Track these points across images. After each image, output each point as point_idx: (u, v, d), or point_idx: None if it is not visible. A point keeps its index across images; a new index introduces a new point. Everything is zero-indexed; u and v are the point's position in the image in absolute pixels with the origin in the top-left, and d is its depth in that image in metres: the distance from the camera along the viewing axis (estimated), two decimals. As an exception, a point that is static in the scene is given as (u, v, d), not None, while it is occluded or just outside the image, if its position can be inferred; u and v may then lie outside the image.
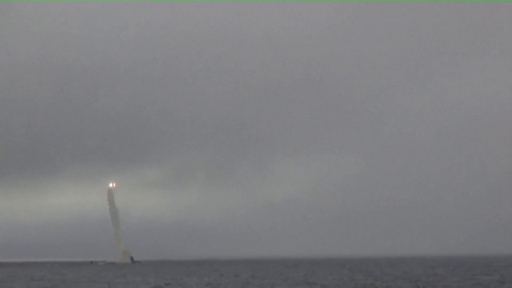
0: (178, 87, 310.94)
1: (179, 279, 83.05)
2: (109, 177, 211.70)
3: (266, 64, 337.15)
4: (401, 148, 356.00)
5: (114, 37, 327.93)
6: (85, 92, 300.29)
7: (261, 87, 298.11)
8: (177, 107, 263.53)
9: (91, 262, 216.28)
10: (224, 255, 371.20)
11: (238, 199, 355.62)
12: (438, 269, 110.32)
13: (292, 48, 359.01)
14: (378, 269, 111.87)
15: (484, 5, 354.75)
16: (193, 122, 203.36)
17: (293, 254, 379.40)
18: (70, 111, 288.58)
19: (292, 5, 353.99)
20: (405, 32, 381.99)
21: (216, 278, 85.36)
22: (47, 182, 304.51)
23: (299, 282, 71.04)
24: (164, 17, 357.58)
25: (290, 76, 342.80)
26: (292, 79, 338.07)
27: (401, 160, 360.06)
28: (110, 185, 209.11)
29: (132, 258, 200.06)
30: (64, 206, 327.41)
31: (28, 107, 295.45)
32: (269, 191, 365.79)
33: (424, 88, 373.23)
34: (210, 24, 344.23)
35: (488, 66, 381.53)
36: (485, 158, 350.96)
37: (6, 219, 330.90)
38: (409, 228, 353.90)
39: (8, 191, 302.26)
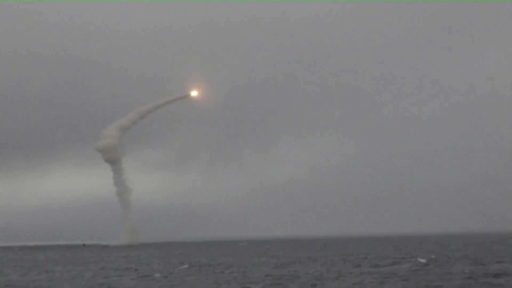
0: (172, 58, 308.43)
1: (195, 261, 79.73)
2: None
3: (268, 47, 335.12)
4: (404, 127, 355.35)
5: (125, 33, 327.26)
6: (88, 75, 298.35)
7: (264, 69, 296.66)
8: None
9: (84, 245, 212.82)
10: (225, 236, 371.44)
11: (240, 180, 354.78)
12: (452, 246, 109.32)
13: (293, 33, 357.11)
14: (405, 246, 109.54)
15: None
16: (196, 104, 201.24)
17: (295, 234, 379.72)
18: (73, 93, 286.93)
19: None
20: (404, 16, 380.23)
21: (235, 258, 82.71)
22: (50, 164, 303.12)
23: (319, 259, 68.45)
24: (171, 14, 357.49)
25: (292, 59, 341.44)
26: (295, 61, 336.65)
27: (404, 140, 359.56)
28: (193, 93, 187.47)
29: None
30: (67, 189, 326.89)
31: (31, 90, 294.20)
32: (271, 171, 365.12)
33: (427, 68, 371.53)
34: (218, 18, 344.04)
35: (489, 47, 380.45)
36: (487, 137, 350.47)
37: (11, 203, 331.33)
38: (412, 207, 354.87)
39: (12, 174, 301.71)
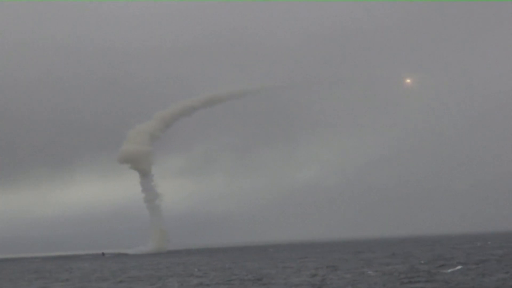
0: (198, 72, 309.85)
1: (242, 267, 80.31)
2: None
3: (291, 48, 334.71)
4: (434, 128, 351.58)
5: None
6: (109, 83, 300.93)
7: (287, 70, 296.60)
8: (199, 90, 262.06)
9: (103, 254, 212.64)
10: (249, 241, 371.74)
11: (264, 184, 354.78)
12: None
13: (319, 34, 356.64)
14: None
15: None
16: (217, 107, 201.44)
17: (320, 238, 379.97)
18: (94, 103, 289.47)
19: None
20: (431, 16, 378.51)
21: (266, 263, 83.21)
22: (76, 173, 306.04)
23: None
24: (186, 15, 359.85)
25: (316, 60, 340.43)
26: (319, 62, 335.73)
27: (433, 141, 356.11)
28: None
29: None
30: (90, 198, 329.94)
31: (55, 99, 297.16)
32: (295, 175, 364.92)
33: (461, 65, 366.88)
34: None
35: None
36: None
37: (32, 213, 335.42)
38: (437, 209, 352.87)
39: (36, 185, 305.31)
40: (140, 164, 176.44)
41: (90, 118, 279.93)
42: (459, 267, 60.36)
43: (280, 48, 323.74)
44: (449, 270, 57.16)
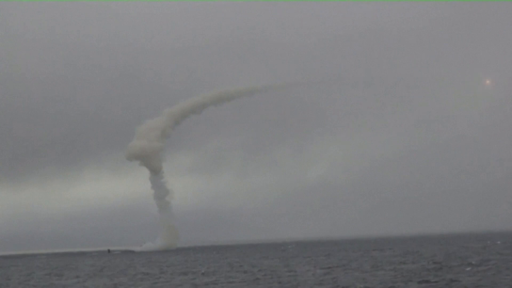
0: (206, 66, 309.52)
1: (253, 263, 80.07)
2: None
3: (299, 48, 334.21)
4: (444, 126, 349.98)
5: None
6: (117, 81, 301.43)
7: (294, 69, 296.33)
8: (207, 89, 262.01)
9: (109, 251, 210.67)
10: (257, 238, 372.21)
11: (274, 182, 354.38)
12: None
13: (326, 34, 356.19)
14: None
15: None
16: (226, 105, 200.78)
17: (328, 235, 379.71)
18: (102, 100, 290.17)
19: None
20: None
21: (276, 261, 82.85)
22: (84, 170, 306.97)
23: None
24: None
25: (325, 58, 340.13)
26: (327, 60, 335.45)
27: (443, 140, 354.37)
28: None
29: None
30: (96, 194, 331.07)
31: (62, 97, 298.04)
32: (305, 172, 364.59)
33: (474, 63, 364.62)
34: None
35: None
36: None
37: (38, 210, 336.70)
38: (448, 209, 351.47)
39: (44, 181, 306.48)
40: (151, 161, 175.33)
41: (98, 115, 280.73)
42: (471, 266, 60.01)
43: (290, 47, 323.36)
44: (462, 269, 56.88)
